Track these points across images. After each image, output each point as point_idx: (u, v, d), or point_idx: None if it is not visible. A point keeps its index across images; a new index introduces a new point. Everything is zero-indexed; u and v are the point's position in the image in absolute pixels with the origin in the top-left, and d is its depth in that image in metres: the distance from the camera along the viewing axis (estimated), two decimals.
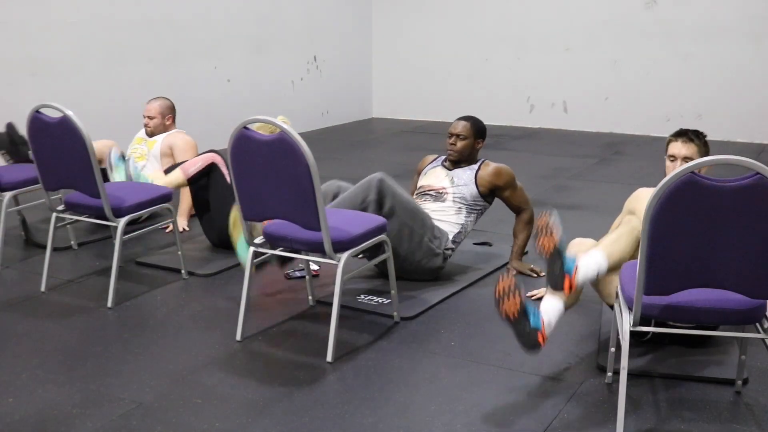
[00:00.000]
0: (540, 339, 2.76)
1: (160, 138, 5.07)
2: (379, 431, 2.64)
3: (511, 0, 9.18)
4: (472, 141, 4.15)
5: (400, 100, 10.03)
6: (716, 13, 8.20)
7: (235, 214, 3.51)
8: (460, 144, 4.13)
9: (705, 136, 3.33)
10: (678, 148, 3.26)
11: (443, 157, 4.31)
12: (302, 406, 2.80)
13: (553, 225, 2.89)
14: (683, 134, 3.30)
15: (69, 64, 6.52)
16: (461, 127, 4.15)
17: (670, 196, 2.34)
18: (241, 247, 3.53)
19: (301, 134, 3.07)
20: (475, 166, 4.17)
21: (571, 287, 2.86)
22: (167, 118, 5.12)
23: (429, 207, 4.09)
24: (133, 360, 3.18)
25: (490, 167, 4.16)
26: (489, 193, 4.15)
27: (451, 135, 4.16)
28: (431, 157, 4.40)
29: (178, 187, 4.53)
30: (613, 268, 2.98)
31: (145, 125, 5.10)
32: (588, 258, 2.93)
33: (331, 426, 2.68)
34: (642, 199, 3.47)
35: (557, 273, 2.85)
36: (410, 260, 3.84)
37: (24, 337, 3.41)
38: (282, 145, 3.04)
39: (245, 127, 3.16)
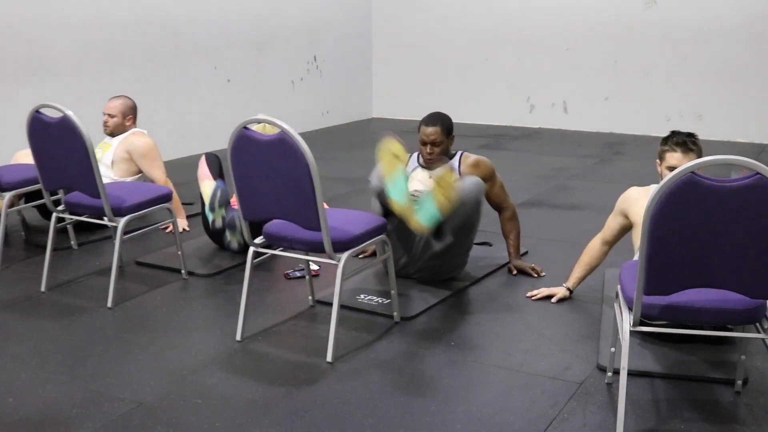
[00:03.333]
0: None
1: (115, 142, 4.90)
2: (379, 431, 2.64)
3: (511, 0, 9.18)
4: (446, 142, 4.06)
5: (400, 100, 10.03)
6: (716, 13, 8.20)
7: (391, 148, 3.27)
8: (437, 150, 4.03)
9: (697, 137, 3.36)
10: (678, 159, 3.25)
11: (415, 155, 4.19)
12: (302, 406, 2.80)
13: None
14: (682, 144, 3.28)
15: (69, 64, 6.52)
16: (433, 133, 4.01)
17: (670, 196, 2.34)
18: (397, 187, 3.25)
19: (301, 134, 3.07)
20: (455, 162, 4.09)
21: None
22: (128, 118, 4.95)
23: None
24: (133, 360, 3.18)
25: (469, 159, 4.10)
26: None
27: (425, 143, 4.04)
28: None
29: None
30: None
31: (104, 123, 4.93)
32: None
33: (331, 426, 2.68)
34: (632, 200, 3.51)
35: None
36: (463, 259, 3.89)
37: (24, 337, 3.41)
38: (282, 145, 3.04)
39: (245, 127, 3.16)
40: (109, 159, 4.87)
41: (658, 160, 3.38)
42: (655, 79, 8.58)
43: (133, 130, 4.99)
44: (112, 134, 4.96)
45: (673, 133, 3.36)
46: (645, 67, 8.61)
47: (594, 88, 8.92)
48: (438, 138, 4.02)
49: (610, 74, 8.81)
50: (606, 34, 8.74)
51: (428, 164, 4.10)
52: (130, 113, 4.99)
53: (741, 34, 8.12)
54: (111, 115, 4.93)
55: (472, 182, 3.77)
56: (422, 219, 3.28)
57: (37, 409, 2.79)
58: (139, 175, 4.95)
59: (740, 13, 8.10)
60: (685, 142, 3.29)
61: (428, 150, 4.05)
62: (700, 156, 3.26)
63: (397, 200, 3.20)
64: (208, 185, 4.25)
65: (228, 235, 4.20)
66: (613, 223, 3.63)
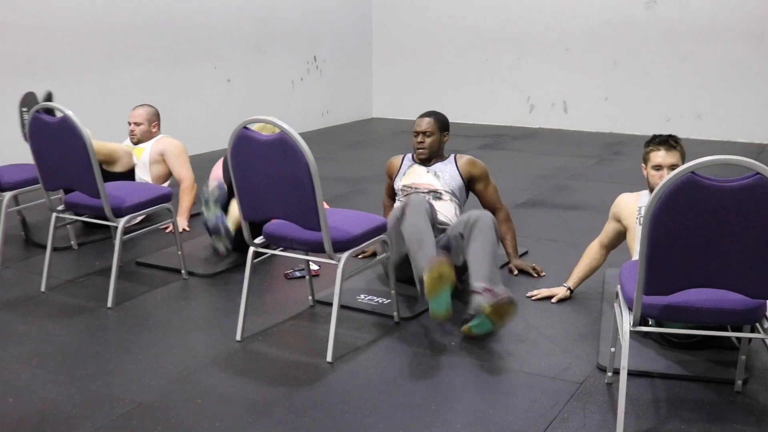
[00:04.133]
0: None
1: (147, 145, 5.05)
2: (379, 431, 2.64)
3: (511, 0, 9.19)
4: (438, 136, 4.10)
5: (400, 100, 10.03)
6: (716, 13, 8.20)
7: (441, 270, 3.16)
8: (428, 141, 4.08)
9: (678, 138, 3.42)
10: (662, 157, 3.33)
11: (410, 155, 4.23)
12: (302, 406, 2.80)
13: None
14: (664, 142, 3.37)
15: (69, 64, 6.52)
16: (426, 124, 4.09)
17: (670, 196, 2.34)
18: (439, 302, 3.19)
19: (301, 134, 3.07)
20: (451, 159, 4.14)
21: None
22: (153, 124, 5.10)
23: (435, 205, 4.02)
24: (133, 360, 3.18)
25: (465, 158, 4.15)
26: (467, 184, 4.12)
27: (418, 133, 4.11)
28: (397, 159, 4.27)
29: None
30: None
31: (131, 132, 5.07)
32: None
33: (331, 426, 2.68)
34: (623, 204, 3.58)
35: None
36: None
37: (24, 337, 3.41)
38: (282, 145, 3.04)
39: (245, 127, 3.16)
40: (147, 160, 5.02)
41: (643, 164, 3.43)
42: (655, 79, 8.58)
43: (160, 135, 5.14)
44: (139, 142, 5.06)
45: (655, 136, 3.43)
46: (645, 67, 8.61)
47: (594, 88, 8.92)
48: (430, 129, 4.08)
49: (610, 74, 8.81)
50: (606, 34, 8.75)
51: (419, 156, 4.12)
52: (155, 120, 5.15)
53: (741, 34, 8.13)
54: (137, 123, 5.08)
55: (489, 227, 3.64)
56: (475, 329, 3.28)
57: (37, 409, 2.79)
58: (170, 180, 5.11)
59: (740, 13, 8.11)
60: (667, 140, 3.37)
61: (419, 139, 4.10)
62: (683, 155, 3.36)
63: (437, 311, 3.23)
64: (213, 184, 4.27)
65: (213, 239, 4.21)
66: (608, 228, 3.68)
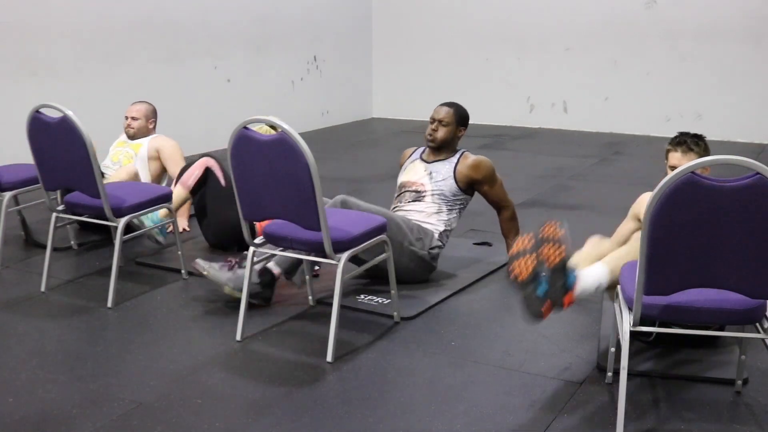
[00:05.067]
0: (545, 309, 2.72)
1: (145, 141, 5.02)
2: (379, 431, 2.64)
3: (511, 0, 9.19)
4: (454, 128, 4.04)
5: (400, 100, 10.03)
6: (716, 13, 8.20)
7: None
8: (442, 130, 4.03)
9: (704, 138, 3.32)
10: (678, 159, 3.25)
11: (422, 149, 4.21)
12: (302, 406, 2.80)
13: (563, 238, 2.80)
14: (683, 143, 3.27)
15: (69, 64, 6.52)
16: (444, 112, 4.04)
17: (670, 196, 2.34)
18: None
19: (300, 134, 3.07)
20: (454, 159, 4.07)
21: (570, 302, 2.79)
22: (150, 121, 5.08)
23: (409, 207, 4.03)
24: (133, 360, 3.18)
25: (468, 160, 4.06)
26: (468, 187, 4.07)
27: (434, 120, 4.05)
28: (410, 150, 4.31)
29: (185, 202, 4.57)
30: (615, 284, 2.90)
31: (128, 126, 5.04)
32: (590, 272, 2.87)
33: (331, 426, 2.68)
34: (643, 203, 3.49)
35: (559, 288, 2.76)
36: (398, 267, 3.73)
37: (24, 337, 3.41)
38: (282, 145, 3.04)
39: (245, 127, 3.16)
40: (145, 155, 5.00)
41: (665, 160, 3.38)
42: (655, 79, 8.58)
43: (155, 134, 5.13)
44: (135, 137, 5.04)
45: (680, 134, 3.35)
46: (645, 67, 8.61)
47: (594, 88, 8.92)
48: (447, 119, 4.03)
49: (610, 74, 8.81)
50: (606, 34, 8.75)
51: (429, 143, 4.08)
52: (152, 117, 5.14)
53: (741, 34, 8.13)
54: (135, 118, 5.05)
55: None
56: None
57: (37, 409, 2.79)
58: (165, 180, 5.12)
59: (740, 13, 8.11)
60: (685, 141, 3.27)
61: (433, 126, 4.05)
62: (702, 156, 3.25)
63: None
64: (177, 193, 4.42)
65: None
66: (624, 229, 3.57)
